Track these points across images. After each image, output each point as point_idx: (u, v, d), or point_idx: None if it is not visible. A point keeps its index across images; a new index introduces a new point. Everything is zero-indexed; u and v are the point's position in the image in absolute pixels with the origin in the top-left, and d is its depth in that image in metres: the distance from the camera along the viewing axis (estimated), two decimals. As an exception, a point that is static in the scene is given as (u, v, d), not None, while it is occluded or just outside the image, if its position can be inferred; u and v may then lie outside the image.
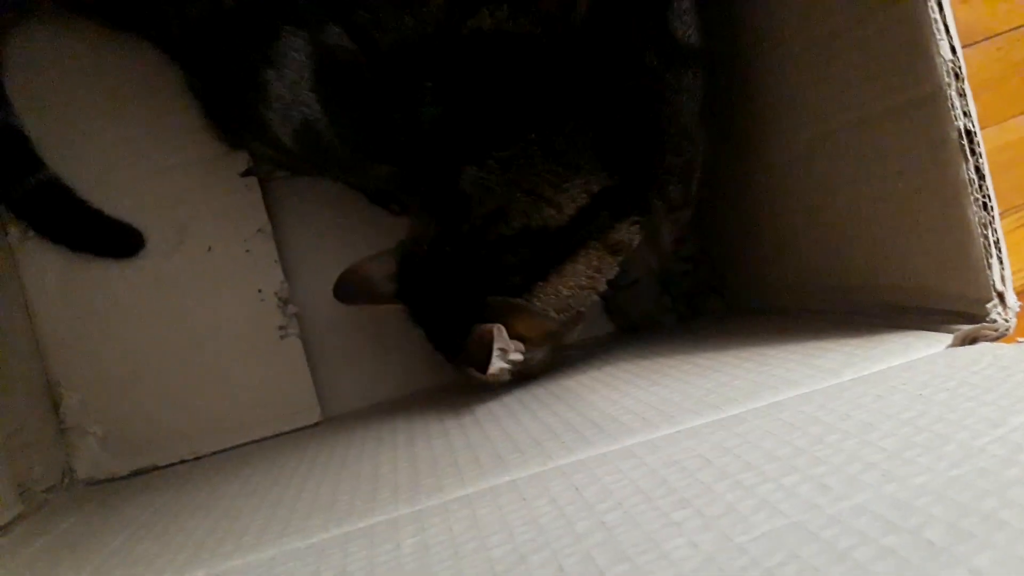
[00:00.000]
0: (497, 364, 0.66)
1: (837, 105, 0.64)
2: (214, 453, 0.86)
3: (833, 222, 0.69)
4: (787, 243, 0.78)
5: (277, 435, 0.87)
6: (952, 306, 0.56)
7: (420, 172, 0.73)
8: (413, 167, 0.74)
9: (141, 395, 0.86)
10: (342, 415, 0.90)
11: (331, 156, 0.76)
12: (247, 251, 0.88)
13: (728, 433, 0.48)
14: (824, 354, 0.58)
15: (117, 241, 0.87)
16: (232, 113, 0.81)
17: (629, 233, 0.71)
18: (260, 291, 0.88)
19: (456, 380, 0.80)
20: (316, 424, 0.88)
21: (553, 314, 0.70)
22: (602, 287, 0.73)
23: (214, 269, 0.88)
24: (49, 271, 0.86)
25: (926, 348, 0.53)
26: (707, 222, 0.91)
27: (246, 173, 0.89)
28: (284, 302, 0.88)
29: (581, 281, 0.71)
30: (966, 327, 0.54)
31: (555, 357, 0.76)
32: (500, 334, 0.66)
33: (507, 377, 0.71)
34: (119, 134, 0.87)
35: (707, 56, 0.71)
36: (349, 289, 0.77)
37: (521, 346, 0.69)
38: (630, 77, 0.68)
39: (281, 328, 0.88)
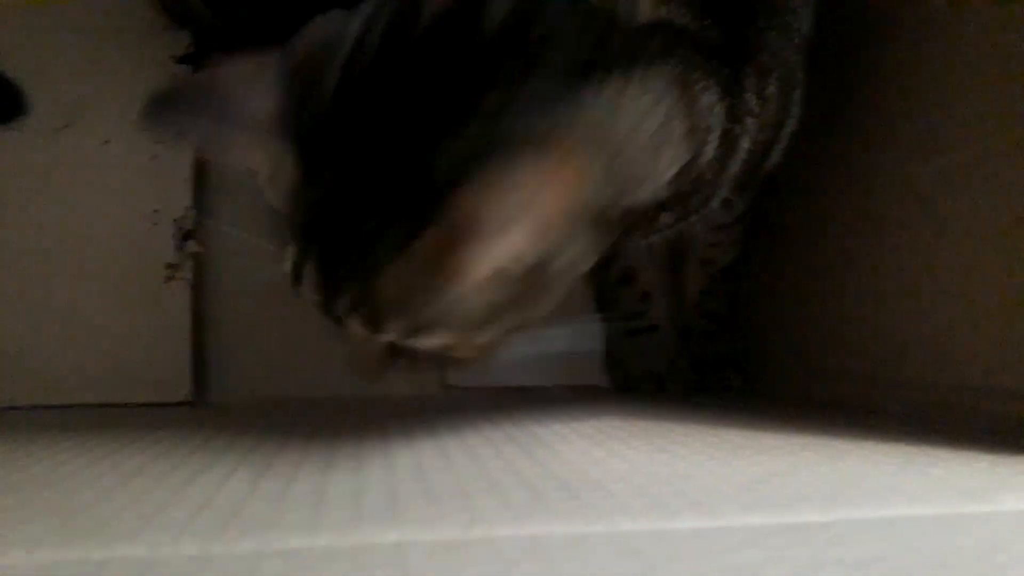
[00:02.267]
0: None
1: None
2: (47, 407, 0.62)
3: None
4: (864, 321, 0.57)
5: (128, 405, 0.63)
6: None
7: None
8: None
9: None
10: (233, 404, 0.66)
11: None
12: (153, 157, 0.66)
13: (813, 547, 0.26)
14: (941, 464, 0.37)
15: (-11, 100, 0.65)
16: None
17: (708, 99, 0.44)
18: (156, 212, 0.66)
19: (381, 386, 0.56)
20: (186, 405, 0.64)
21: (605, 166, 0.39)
22: (668, 166, 0.43)
23: (104, 169, 0.66)
24: None
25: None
26: (742, 277, 0.70)
27: (184, 59, 0.68)
28: (184, 235, 0.66)
29: (649, 126, 0.40)
30: None
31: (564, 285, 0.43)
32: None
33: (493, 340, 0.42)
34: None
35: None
36: (181, 106, 0.41)
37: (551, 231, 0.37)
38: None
39: (170, 267, 0.65)
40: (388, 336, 0.40)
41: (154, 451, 0.43)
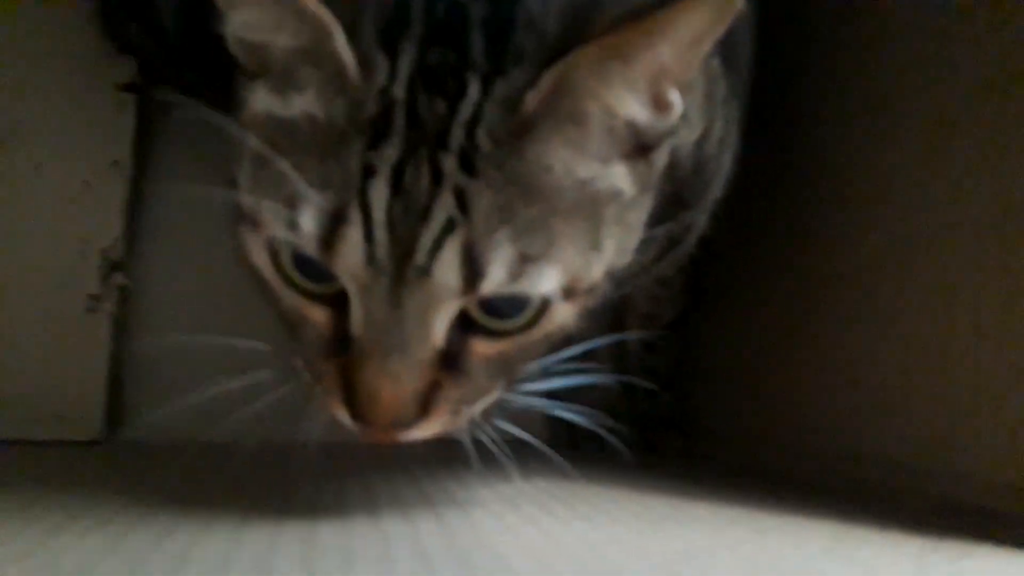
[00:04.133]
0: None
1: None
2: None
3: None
4: (805, 390, 0.56)
5: (38, 443, 0.60)
6: None
7: None
8: None
9: None
10: (147, 443, 0.63)
11: None
12: (85, 182, 0.64)
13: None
14: (868, 546, 0.36)
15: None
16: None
17: (717, 64, 0.46)
18: (84, 241, 0.63)
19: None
20: (95, 444, 0.61)
21: None
22: (694, 123, 0.45)
23: (35, 194, 0.63)
24: None
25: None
26: (685, 335, 0.69)
27: (127, 88, 0.66)
28: (111, 266, 0.63)
29: None
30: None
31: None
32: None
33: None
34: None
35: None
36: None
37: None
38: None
39: (92, 297, 0.62)
40: (490, 284, 0.33)
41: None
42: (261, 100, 0.36)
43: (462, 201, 0.32)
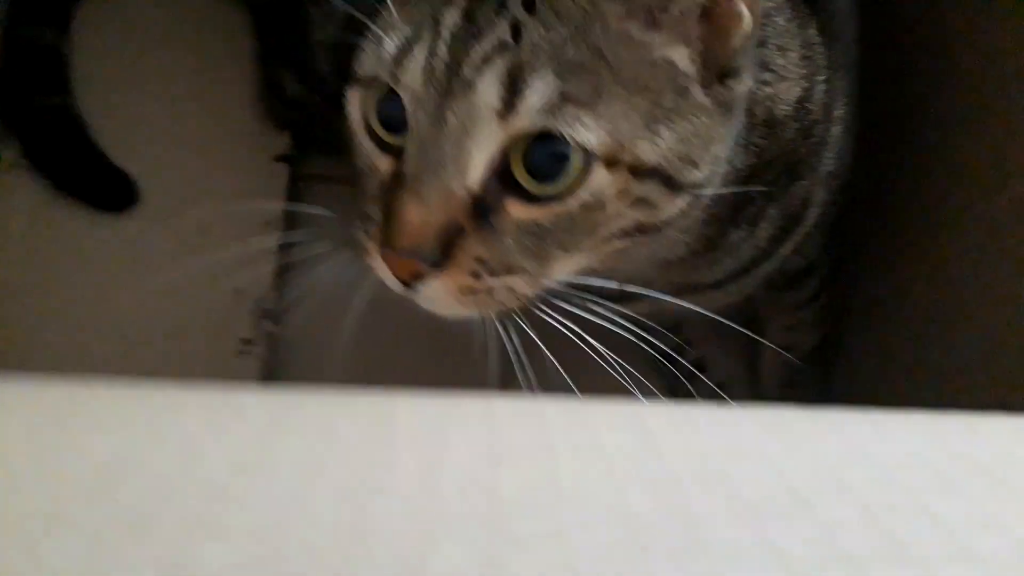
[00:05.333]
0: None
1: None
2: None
3: None
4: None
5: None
6: None
7: None
8: None
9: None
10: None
11: None
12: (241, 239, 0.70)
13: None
14: None
15: (110, 191, 0.72)
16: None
17: (813, 32, 0.46)
18: (237, 290, 0.69)
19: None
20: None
21: None
22: (792, 83, 0.45)
23: (200, 250, 0.70)
24: (20, 212, 0.72)
25: None
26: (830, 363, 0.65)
27: (282, 158, 0.73)
28: (264, 313, 0.68)
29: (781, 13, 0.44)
30: None
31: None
32: None
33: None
34: (161, 87, 0.75)
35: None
36: None
37: None
38: None
39: (245, 342, 0.67)
40: (527, 108, 0.34)
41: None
42: None
43: (516, 31, 0.35)
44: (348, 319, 0.63)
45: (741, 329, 0.52)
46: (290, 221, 0.73)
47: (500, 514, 0.21)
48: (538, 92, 0.34)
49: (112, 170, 0.72)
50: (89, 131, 0.73)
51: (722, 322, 0.53)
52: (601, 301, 0.42)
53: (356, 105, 0.40)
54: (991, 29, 0.50)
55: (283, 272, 0.71)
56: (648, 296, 0.48)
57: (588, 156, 0.35)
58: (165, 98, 0.75)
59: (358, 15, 0.39)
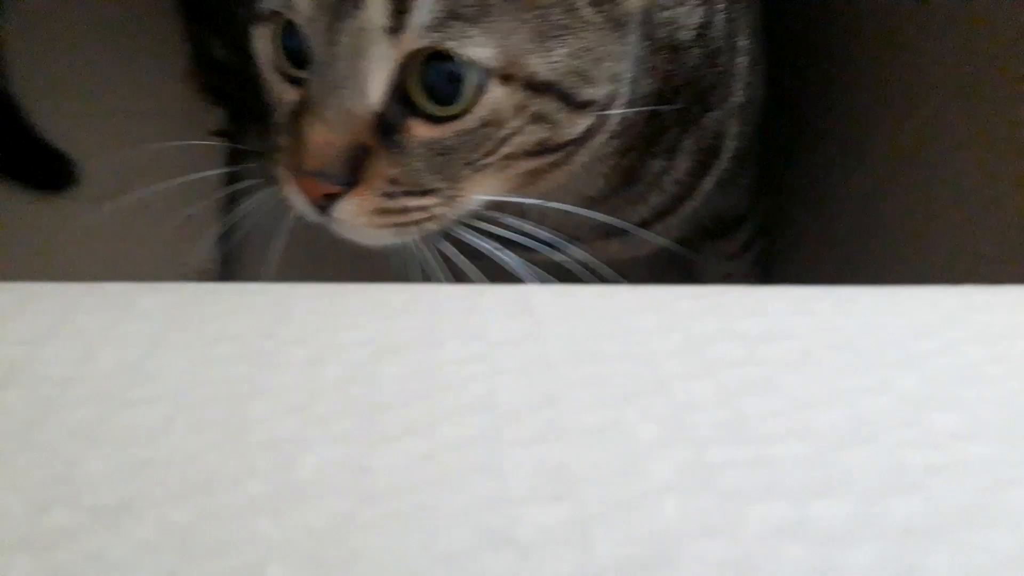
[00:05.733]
0: None
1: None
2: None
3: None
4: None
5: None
6: None
7: None
8: None
9: None
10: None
11: None
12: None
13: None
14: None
15: (46, 172, 0.72)
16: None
17: None
18: (183, 264, 0.69)
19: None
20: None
21: None
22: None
23: (142, 225, 0.71)
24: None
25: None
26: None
27: (218, 132, 0.74)
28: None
29: None
30: None
31: None
32: None
33: None
34: (94, 67, 0.75)
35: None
36: None
37: None
38: None
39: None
40: (415, 24, 0.35)
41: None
42: None
43: None
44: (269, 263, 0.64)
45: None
46: (230, 196, 0.73)
47: (375, 409, 0.22)
48: (425, 7, 0.35)
49: (48, 150, 0.72)
50: (22, 112, 0.73)
51: (661, 271, 0.54)
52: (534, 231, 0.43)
53: (261, 43, 0.41)
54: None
55: (225, 244, 0.72)
56: (581, 243, 0.49)
57: (482, 73, 0.36)
58: (98, 77, 0.75)
59: None
